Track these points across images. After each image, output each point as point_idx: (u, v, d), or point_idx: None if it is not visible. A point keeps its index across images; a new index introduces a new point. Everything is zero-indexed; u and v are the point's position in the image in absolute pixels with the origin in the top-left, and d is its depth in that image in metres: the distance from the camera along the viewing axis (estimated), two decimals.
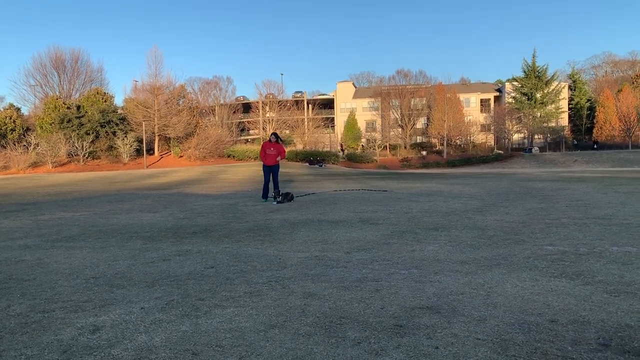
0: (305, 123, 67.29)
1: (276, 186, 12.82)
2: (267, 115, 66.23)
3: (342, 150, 60.38)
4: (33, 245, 6.72)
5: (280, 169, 13.59)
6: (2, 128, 58.90)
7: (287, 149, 54.48)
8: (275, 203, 12.01)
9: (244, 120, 70.92)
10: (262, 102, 68.33)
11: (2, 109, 65.49)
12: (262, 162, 13.32)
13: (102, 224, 8.95)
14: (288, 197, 12.48)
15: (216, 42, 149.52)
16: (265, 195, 12.95)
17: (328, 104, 76.00)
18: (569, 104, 67.77)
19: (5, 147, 53.22)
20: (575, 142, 62.43)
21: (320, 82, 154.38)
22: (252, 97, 75.44)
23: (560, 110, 64.47)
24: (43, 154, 50.36)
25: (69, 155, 52.56)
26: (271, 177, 13.06)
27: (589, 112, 66.82)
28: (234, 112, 70.05)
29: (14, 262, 5.58)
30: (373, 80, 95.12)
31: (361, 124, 69.27)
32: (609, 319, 3.21)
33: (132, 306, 3.73)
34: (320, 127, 67.16)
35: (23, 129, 59.46)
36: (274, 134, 13.36)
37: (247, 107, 73.49)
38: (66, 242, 6.93)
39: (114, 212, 11.13)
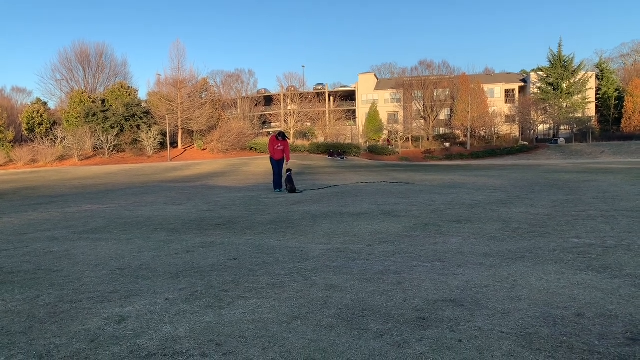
0: (327, 115, 67.21)
1: (281, 175, 13.87)
2: (289, 107, 66.33)
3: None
4: (61, 237, 6.87)
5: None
6: (30, 122, 60.33)
7: (308, 142, 54.67)
8: (288, 192, 12.95)
9: (266, 113, 71.08)
10: (284, 95, 68.45)
11: (30, 104, 66.99)
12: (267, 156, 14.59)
13: (127, 216, 9.10)
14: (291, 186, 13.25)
15: (238, 35, 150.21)
16: (277, 186, 13.75)
17: (349, 96, 75.70)
18: (596, 94, 66.25)
19: (33, 141, 54.50)
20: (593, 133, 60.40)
21: (342, 74, 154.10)
22: (273, 90, 75.65)
23: (587, 100, 63.10)
24: (69, 147, 51.43)
25: (94, 148, 53.55)
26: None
27: (617, 102, 65.15)
28: (256, 105, 70.27)
29: (42, 253, 5.71)
30: (395, 71, 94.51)
31: (383, 116, 68.85)
32: (637, 313, 3.14)
33: (156, 297, 3.79)
34: (342, 120, 67.02)
35: (50, 123, 60.83)
36: (281, 133, 14.50)
37: (268, 100, 73.64)
38: (92, 234, 7.07)
39: (138, 204, 11.30)
